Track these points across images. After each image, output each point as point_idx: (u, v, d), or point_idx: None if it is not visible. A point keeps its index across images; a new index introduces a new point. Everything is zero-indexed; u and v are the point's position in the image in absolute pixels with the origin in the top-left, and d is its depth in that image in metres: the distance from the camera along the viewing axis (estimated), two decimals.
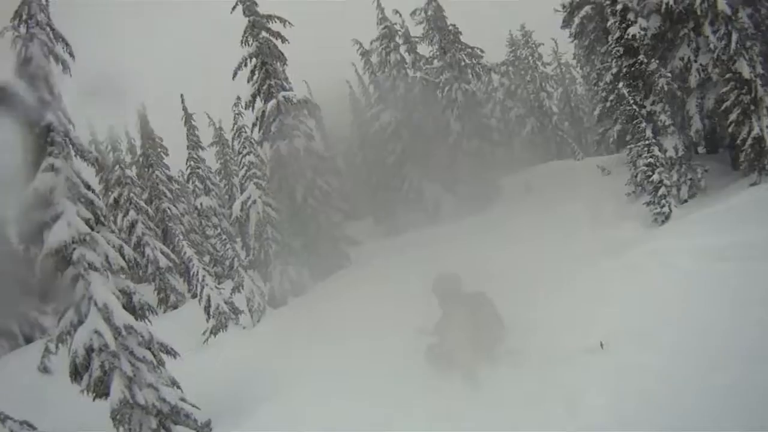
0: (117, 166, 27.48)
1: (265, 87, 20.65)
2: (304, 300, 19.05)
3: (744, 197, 14.11)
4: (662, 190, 16.25)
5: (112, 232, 13.13)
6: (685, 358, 7.92)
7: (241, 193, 20.67)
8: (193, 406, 11.57)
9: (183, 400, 11.47)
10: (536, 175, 27.44)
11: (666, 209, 16.12)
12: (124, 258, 11.75)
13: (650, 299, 10.22)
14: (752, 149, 15.38)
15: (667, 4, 16.67)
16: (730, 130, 16.03)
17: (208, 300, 18.13)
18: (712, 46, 15.97)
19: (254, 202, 19.96)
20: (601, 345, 9.11)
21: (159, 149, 30.98)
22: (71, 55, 11.39)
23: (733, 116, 15.76)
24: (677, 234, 13.84)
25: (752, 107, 15.38)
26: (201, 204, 24.26)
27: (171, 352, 12.09)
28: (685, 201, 16.91)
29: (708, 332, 8.29)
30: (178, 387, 11.70)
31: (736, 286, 9.33)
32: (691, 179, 17.11)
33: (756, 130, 15.26)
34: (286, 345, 14.77)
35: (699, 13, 16.11)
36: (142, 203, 27.51)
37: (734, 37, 15.35)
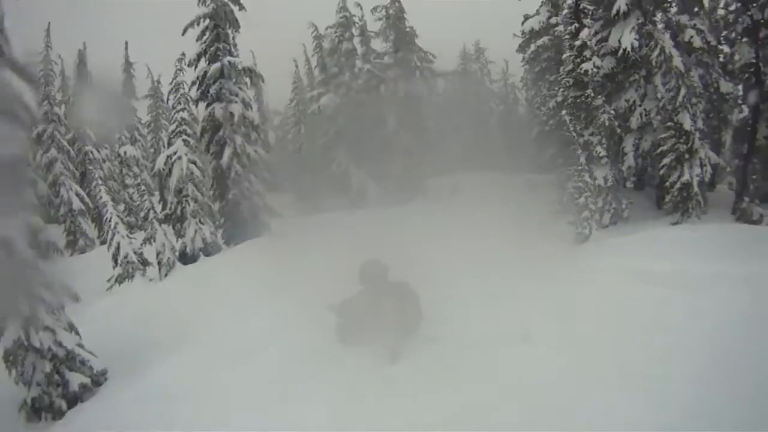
0: (46, 101, 26.22)
1: (212, 49, 20.22)
2: (216, 261, 18.67)
3: (664, 232, 15.23)
4: (586, 213, 17.26)
5: (28, 165, 12.58)
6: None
7: (168, 147, 20.17)
8: (90, 353, 11.30)
9: (80, 346, 11.17)
10: (464, 182, 28.23)
11: (587, 231, 17.15)
12: (36, 194, 11.28)
13: (567, 305, 10.80)
14: (679, 193, 17.21)
15: (624, 50, 17.71)
16: (661, 172, 17.80)
17: (118, 247, 17.68)
18: (659, 95, 17.42)
19: (179, 157, 19.47)
20: (525, 338, 9.48)
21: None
22: None
23: (666, 160, 17.46)
24: (595, 254, 14.72)
25: (687, 156, 17.12)
26: (125, 152, 23.50)
27: (73, 296, 11.76)
28: (606, 226, 18.11)
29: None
30: (77, 332, 11.35)
31: (656, 309, 9.96)
32: (615, 208, 18.49)
33: (686, 177, 16.95)
34: (190, 304, 14.20)
35: (654, 64, 17.43)
36: (65, 143, 26.47)
37: (683, 91, 16.84)
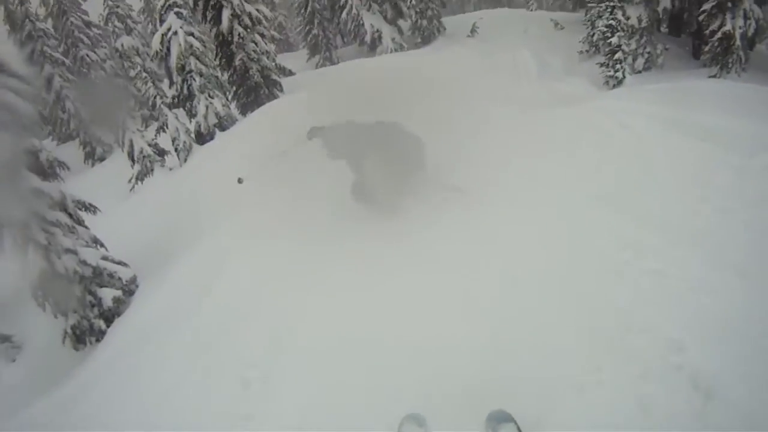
0: (26, 20, 24.63)
1: None
2: (229, 134, 17.95)
3: (703, 85, 13.72)
4: (618, 55, 16.01)
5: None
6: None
7: (161, 24, 18.78)
8: (119, 263, 11.13)
9: (105, 258, 10.97)
10: (484, 20, 26.30)
11: (620, 74, 16.02)
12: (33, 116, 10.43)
13: (605, 152, 10.06)
14: (720, 44, 15.31)
15: None
16: (700, 18, 15.67)
17: (131, 145, 17.12)
18: None
19: (175, 33, 18.22)
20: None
21: None
22: None
23: (707, 6, 15.36)
24: (631, 98, 13.52)
25: (730, 4, 14.97)
26: (122, 45, 22.02)
27: (90, 208, 11.45)
28: (639, 72, 16.73)
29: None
30: (101, 245, 11.18)
31: (695, 164, 9.01)
32: (649, 52, 16.92)
33: (728, 27, 15.04)
34: (214, 183, 13.84)
35: None
36: (58, 55, 25.41)
37: None
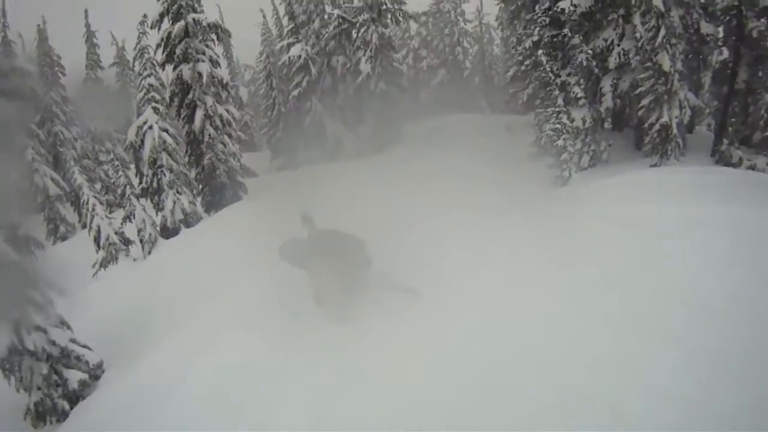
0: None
1: (175, 7, 19.14)
2: (195, 232, 18.40)
3: (643, 175, 14.97)
4: (565, 156, 17.12)
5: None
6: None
7: (138, 117, 19.36)
8: (84, 346, 11.05)
9: (73, 341, 10.91)
10: (440, 125, 27.93)
11: (566, 173, 17.09)
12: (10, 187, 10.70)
13: (552, 253, 10.56)
14: (659, 134, 16.94)
15: None
16: (639, 113, 17.52)
17: (98, 230, 17.11)
18: (638, 35, 16.89)
19: (150, 127, 18.78)
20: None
21: (56, 68, 28.40)
22: None
23: (645, 101, 17.17)
24: (574, 198, 14.60)
25: (665, 97, 16.71)
26: (95, 128, 22.48)
27: (59, 290, 11.36)
28: (585, 168, 17.99)
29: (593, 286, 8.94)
30: (68, 327, 11.10)
31: (635, 253, 9.84)
32: (594, 150, 18.27)
33: (665, 118, 16.66)
34: (175, 281, 14.27)
35: (633, 2, 16.90)
36: (34, 126, 25.31)
37: (662, 31, 16.34)
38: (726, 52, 18.28)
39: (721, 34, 18.93)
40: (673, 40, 16.79)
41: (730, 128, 18.38)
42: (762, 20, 17.42)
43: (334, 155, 28.21)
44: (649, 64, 16.87)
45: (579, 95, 18.14)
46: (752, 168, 16.66)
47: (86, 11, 27.75)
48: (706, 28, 19.03)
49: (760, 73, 17.74)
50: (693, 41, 19.43)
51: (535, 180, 17.93)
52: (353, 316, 9.97)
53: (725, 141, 17.74)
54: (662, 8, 16.47)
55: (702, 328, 7.33)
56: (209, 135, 20.18)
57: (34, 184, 23.75)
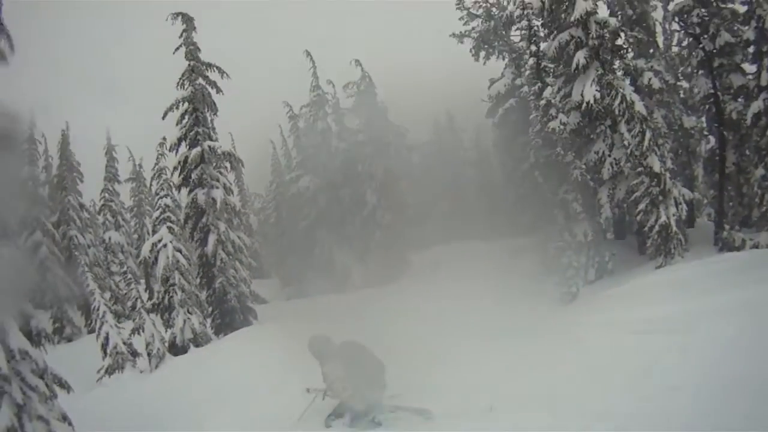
0: (30, 182, 25.97)
1: (192, 133, 20.42)
2: (205, 352, 18.30)
3: (647, 278, 15.23)
4: (570, 272, 17.30)
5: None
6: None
7: (153, 234, 19.98)
8: None
9: None
10: (446, 253, 28.24)
11: (574, 289, 17.22)
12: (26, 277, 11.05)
13: (553, 363, 10.96)
14: (659, 235, 17.15)
15: (587, 102, 18.00)
16: (638, 218, 17.86)
17: (107, 337, 17.11)
18: (626, 142, 17.65)
19: (165, 245, 19.30)
20: (491, 408, 9.59)
21: (75, 174, 29.55)
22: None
23: (642, 206, 17.54)
24: (582, 311, 14.71)
25: (661, 197, 17.20)
26: (109, 238, 23.12)
27: (65, 386, 11.30)
28: (593, 282, 18.00)
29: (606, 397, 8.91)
30: (70, 423, 10.86)
31: (644, 355, 10.00)
32: (598, 262, 18.40)
33: (663, 218, 16.94)
34: (182, 399, 13.98)
35: (617, 112, 17.71)
36: (50, 226, 26.02)
37: (648, 134, 17.14)
38: (712, 140, 19.11)
39: (704, 124, 19.98)
40: (660, 141, 17.73)
41: (728, 213, 18.85)
42: (739, 100, 18.40)
43: (342, 285, 28.47)
44: (640, 168, 17.47)
45: (578, 210, 18.61)
46: (756, 246, 16.86)
47: (108, 129, 29.25)
48: (688, 122, 20.21)
49: (747, 152, 18.51)
50: (679, 137, 20.56)
51: (543, 298, 18.10)
52: None
53: (726, 227, 18.09)
54: (645, 112, 17.50)
55: (713, 415, 7.35)
56: (221, 259, 20.58)
57: (46, 281, 23.93)
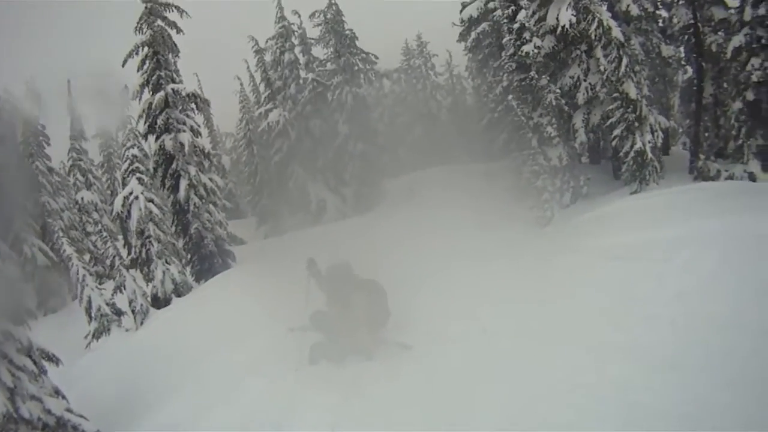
0: None
1: (154, 78, 19.63)
2: (187, 301, 18.19)
3: (622, 204, 15.31)
4: (545, 196, 17.40)
5: None
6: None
7: (123, 187, 19.45)
8: (80, 416, 10.70)
9: (69, 410, 10.50)
10: (421, 180, 28.14)
11: (548, 213, 17.35)
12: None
13: (533, 290, 11.07)
14: (634, 161, 17.11)
15: (563, 27, 17.55)
16: (613, 143, 17.79)
17: (89, 301, 16.87)
18: (602, 67, 17.34)
19: (136, 197, 18.84)
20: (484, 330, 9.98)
21: (41, 138, 28.42)
22: None
23: (617, 131, 17.39)
24: (558, 236, 15.01)
25: (636, 124, 17.05)
26: (82, 198, 22.48)
27: (53, 359, 11.15)
28: (567, 206, 18.14)
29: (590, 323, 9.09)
30: (63, 397, 10.75)
31: (621, 283, 10.15)
32: (573, 186, 18.49)
33: (638, 145, 16.90)
34: (170, 350, 13.89)
35: (593, 37, 17.33)
36: (19, 197, 25.09)
37: (624, 61, 16.77)
38: (690, 70, 18.89)
39: (682, 54, 19.67)
40: (637, 68, 17.38)
41: (704, 143, 18.86)
42: (719, 33, 18.13)
43: (318, 219, 28.37)
44: (616, 94, 17.22)
45: (553, 134, 18.39)
46: (731, 178, 17.02)
47: (69, 81, 27.79)
48: (666, 50, 19.82)
49: (725, 84, 18.39)
50: (656, 65, 20.21)
51: (519, 222, 18.20)
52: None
53: (701, 157, 18.14)
54: (622, 38, 17.07)
55: (695, 349, 7.41)
56: (194, 204, 20.25)
57: (23, 254, 23.44)
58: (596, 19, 17.27)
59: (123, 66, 19.51)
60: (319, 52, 29.25)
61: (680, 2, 19.60)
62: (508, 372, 8.27)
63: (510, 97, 19.38)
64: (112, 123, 27.21)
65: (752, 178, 16.95)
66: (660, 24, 20.61)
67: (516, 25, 18.59)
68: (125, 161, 19.47)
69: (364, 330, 10.53)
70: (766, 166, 17.34)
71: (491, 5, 22.19)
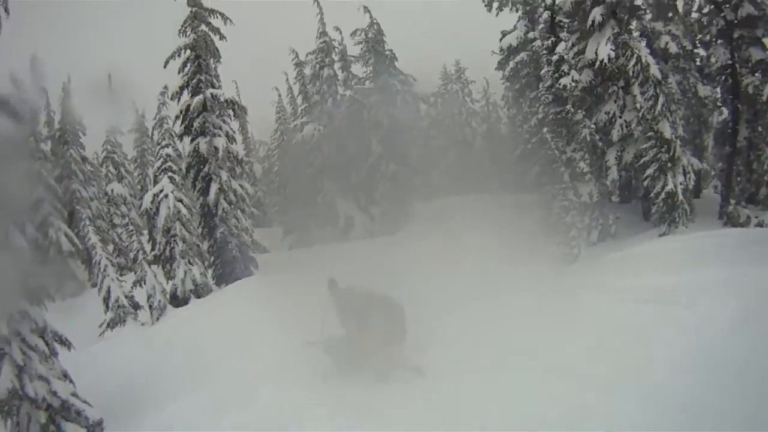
0: (32, 138, 25.57)
1: (194, 81, 20.03)
2: (206, 303, 18.33)
3: (650, 246, 15.11)
4: (573, 232, 17.18)
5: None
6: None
7: (154, 185, 19.81)
8: (85, 402, 10.82)
9: (74, 395, 10.66)
10: (450, 206, 27.91)
11: (576, 250, 17.08)
12: (24, 236, 10.88)
13: (556, 328, 10.90)
14: (665, 203, 16.89)
15: (601, 61, 17.50)
16: (645, 183, 17.55)
17: (108, 291, 17.21)
18: (638, 105, 17.25)
19: (166, 196, 19.19)
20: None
21: (77, 127, 29.16)
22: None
23: (650, 171, 17.23)
24: (583, 275, 14.82)
25: (669, 164, 16.85)
26: (112, 190, 22.98)
27: (65, 343, 11.37)
28: (595, 244, 17.86)
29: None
30: (71, 381, 10.92)
31: (643, 327, 10.05)
32: (602, 224, 18.21)
33: (670, 186, 16.68)
34: (183, 350, 14.06)
35: (631, 73, 17.29)
36: (52, 181, 25.75)
37: (661, 99, 16.65)
38: (725, 112, 18.68)
39: (718, 95, 19.48)
40: (673, 107, 17.28)
41: (736, 188, 18.57)
42: (756, 75, 17.92)
43: (345, 235, 28.38)
44: (651, 133, 17.14)
45: (585, 170, 18.27)
46: (760, 225, 16.74)
47: (109, 75, 28.37)
48: (703, 90, 19.65)
49: (760, 128, 18.18)
50: (692, 105, 20.04)
51: (545, 258, 18.00)
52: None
53: (732, 201, 17.86)
54: (659, 76, 17.02)
55: (710, 393, 7.41)
56: (223, 209, 20.46)
57: (48, 237, 23.87)
58: (635, 55, 17.30)
59: (165, 67, 19.96)
60: (358, 69, 29.53)
61: (718, 42, 19.48)
62: (520, 405, 8.33)
63: (545, 129, 19.32)
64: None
65: None
66: (698, 63, 20.50)
67: (555, 57, 18.63)
68: (159, 159, 19.88)
69: (380, 352, 10.59)
70: None
71: (531, 35, 22.25)
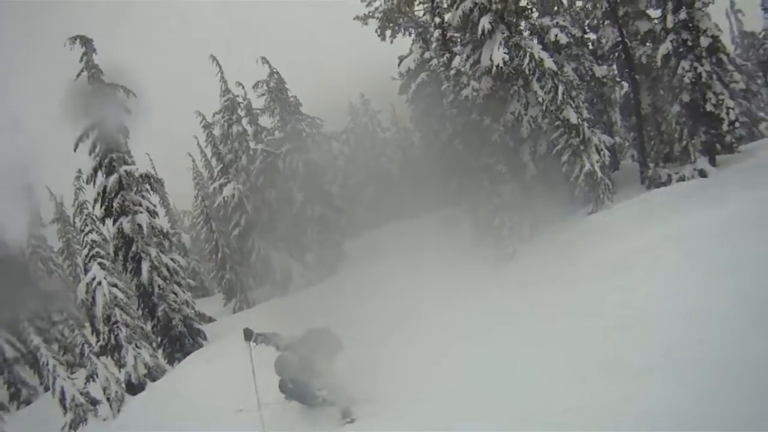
0: None
1: (106, 160, 19.55)
2: (162, 385, 17.65)
3: (584, 226, 16.02)
4: (504, 233, 17.66)
5: None
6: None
7: (85, 273, 19.13)
8: None
9: None
10: (380, 237, 28.22)
11: (510, 249, 17.50)
12: None
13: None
14: (585, 183, 17.63)
15: (498, 66, 18.24)
16: (563, 169, 18.06)
17: (62, 392, 16.27)
18: (540, 99, 18.01)
19: (99, 283, 18.54)
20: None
21: None
22: None
23: (564, 157, 17.93)
24: (523, 269, 15.57)
25: (582, 147, 17.60)
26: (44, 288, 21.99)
27: None
28: (529, 239, 18.48)
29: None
30: None
31: (592, 301, 10.50)
32: (531, 218, 18.76)
33: (587, 167, 17.45)
34: None
35: (528, 71, 18.04)
36: None
37: (560, 89, 17.47)
38: (625, 86, 19.86)
39: (615, 72, 20.74)
40: (574, 93, 18.20)
41: (651, 152, 19.66)
42: (647, 45, 19.22)
43: (285, 288, 28.08)
44: (557, 122, 17.90)
45: (503, 171, 18.85)
46: (682, 179, 17.74)
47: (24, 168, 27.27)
48: (600, 71, 20.86)
49: (661, 92, 19.44)
50: (592, 87, 21.18)
51: (483, 261, 18.28)
52: None
53: (650, 165, 18.86)
54: (555, 68, 17.93)
55: (669, 346, 7.79)
56: (158, 286, 19.93)
57: None
58: (528, 54, 18.13)
59: (75, 150, 19.39)
60: (266, 121, 29.43)
61: (606, 23, 20.81)
62: (486, 401, 8.53)
63: (456, 142, 19.80)
64: None
65: (703, 174, 17.71)
66: (590, 47, 21.72)
67: (452, 72, 19.22)
68: (85, 247, 19.27)
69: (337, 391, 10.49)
70: (713, 161, 18.13)
71: (427, 55, 22.97)
